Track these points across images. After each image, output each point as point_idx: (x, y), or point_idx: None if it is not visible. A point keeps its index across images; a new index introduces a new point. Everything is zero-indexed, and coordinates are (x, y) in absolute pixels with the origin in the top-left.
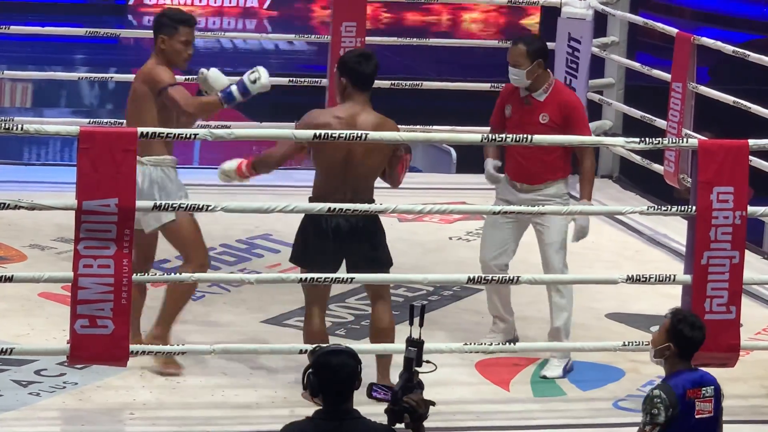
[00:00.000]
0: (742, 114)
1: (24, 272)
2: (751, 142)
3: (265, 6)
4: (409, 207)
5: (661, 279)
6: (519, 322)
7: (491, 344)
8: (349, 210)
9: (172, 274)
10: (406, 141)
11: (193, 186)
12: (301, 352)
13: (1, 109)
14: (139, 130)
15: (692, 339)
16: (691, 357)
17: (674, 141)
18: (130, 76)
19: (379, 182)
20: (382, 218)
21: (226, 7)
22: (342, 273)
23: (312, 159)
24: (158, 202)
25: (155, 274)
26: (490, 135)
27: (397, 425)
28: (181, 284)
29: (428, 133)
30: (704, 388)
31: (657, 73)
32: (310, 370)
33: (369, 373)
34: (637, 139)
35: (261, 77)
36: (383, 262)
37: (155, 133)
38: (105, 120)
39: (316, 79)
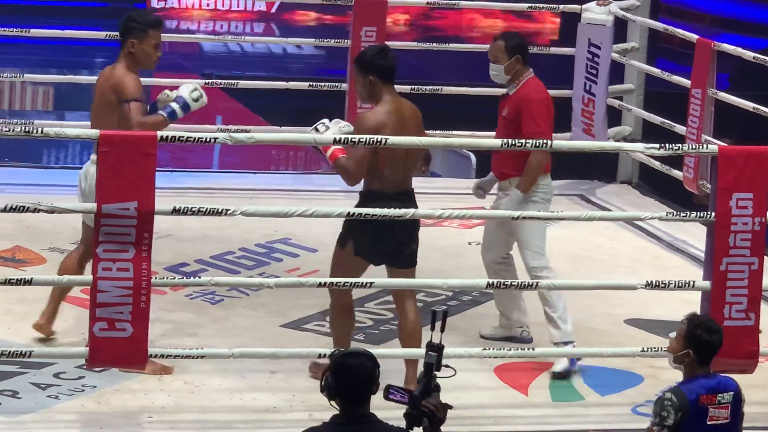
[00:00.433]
0: (762, 120)
1: (43, 275)
2: None
3: (273, 10)
4: (429, 212)
5: (680, 285)
6: (537, 327)
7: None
8: (401, 207)
9: (191, 278)
10: (426, 146)
11: (213, 190)
12: (320, 356)
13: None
14: (159, 134)
15: (710, 343)
16: (709, 362)
17: (694, 147)
18: (152, 80)
19: None
20: None
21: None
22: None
23: (374, 159)
24: (178, 206)
25: (174, 278)
26: (509, 140)
27: (415, 429)
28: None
29: (448, 138)
30: (720, 395)
31: (677, 79)
32: (328, 372)
33: (386, 377)
34: (657, 145)
35: (203, 96)
36: (416, 255)
37: (174, 137)
38: None
39: (336, 84)
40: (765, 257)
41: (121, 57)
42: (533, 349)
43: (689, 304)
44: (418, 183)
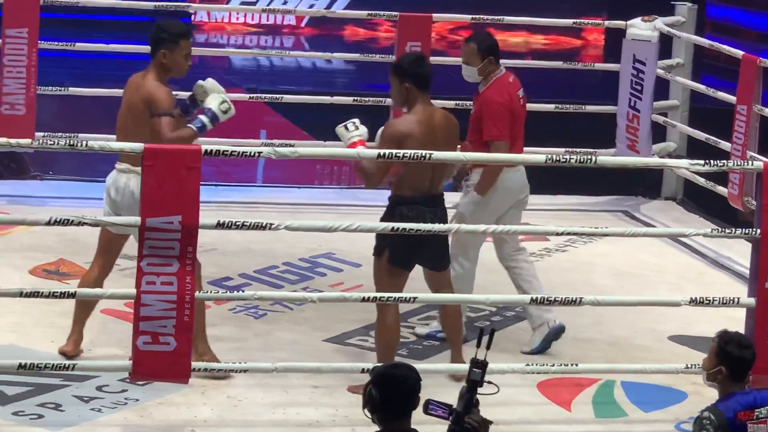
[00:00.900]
0: None
1: (87, 289)
2: None
3: (303, 24)
4: (473, 227)
5: (724, 302)
6: (581, 342)
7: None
8: (429, 212)
9: (235, 292)
10: (470, 161)
11: (257, 204)
12: (363, 371)
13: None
14: (204, 148)
15: (741, 358)
16: (744, 378)
17: (739, 163)
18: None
19: None
20: None
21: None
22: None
23: (403, 165)
24: (222, 220)
25: (218, 292)
26: (553, 156)
27: None
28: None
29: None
30: (758, 410)
31: (722, 95)
32: (371, 385)
33: (429, 392)
34: (702, 162)
35: (231, 107)
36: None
37: (219, 150)
38: None
39: (381, 99)
40: None
41: (151, 67)
42: (576, 365)
43: (733, 321)
44: (460, 198)
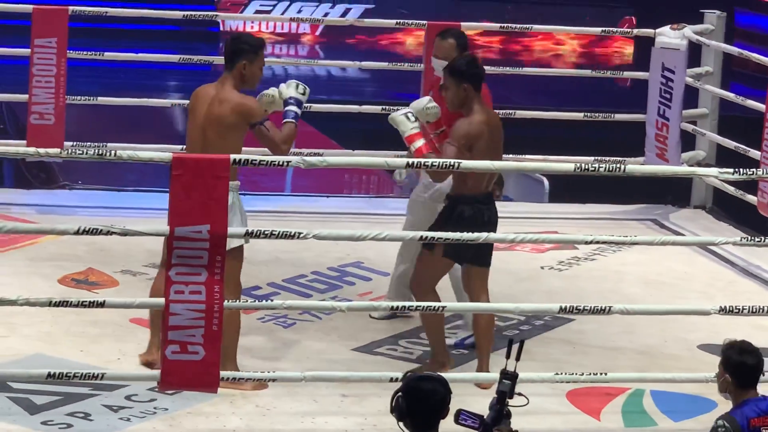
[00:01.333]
0: None
1: (115, 298)
2: None
3: (317, 33)
4: (502, 236)
5: (754, 310)
6: (610, 351)
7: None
8: (486, 209)
9: (263, 301)
10: (498, 169)
11: (286, 213)
12: (391, 380)
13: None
14: (232, 157)
15: (742, 364)
16: (752, 384)
17: None
18: None
19: None
20: None
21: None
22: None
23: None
24: (249, 229)
25: (247, 301)
26: (582, 164)
27: None
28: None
29: (521, 162)
30: None
31: (751, 103)
32: (399, 393)
33: (458, 402)
34: (731, 170)
35: (307, 88)
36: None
37: (248, 160)
38: None
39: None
40: None
41: (227, 78)
42: (606, 374)
43: (763, 329)
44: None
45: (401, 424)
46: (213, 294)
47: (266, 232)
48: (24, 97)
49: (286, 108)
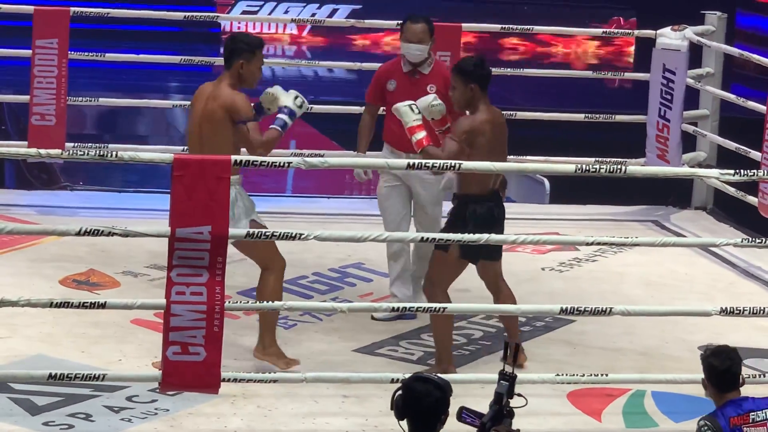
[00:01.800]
0: None
1: (117, 299)
2: None
3: (304, 34)
4: (503, 237)
5: (755, 311)
6: (611, 352)
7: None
8: (496, 208)
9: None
10: (500, 171)
11: (287, 214)
12: (392, 381)
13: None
14: (233, 157)
15: (717, 368)
16: (731, 388)
17: None
18: None
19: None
20: None
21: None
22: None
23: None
24: (251, 231)
25: (248, 302)
26: (583, 165)
27: None
28: (268, 291)
29: (522, 163)
30: (754, 413)
31: (752, 104)
32: (399, 393)
33: (460, 402)
34: (732, 171)
35: (305, 102)
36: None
37: (249, 161)
38: None
39: None
40: None
41: (225, 77)
42: (607, 375)
43: (764, 331)
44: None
45: (402, 423)
46: (214, 295)
47: (267, 233)
48: (25, 98)
49: (278, 115)
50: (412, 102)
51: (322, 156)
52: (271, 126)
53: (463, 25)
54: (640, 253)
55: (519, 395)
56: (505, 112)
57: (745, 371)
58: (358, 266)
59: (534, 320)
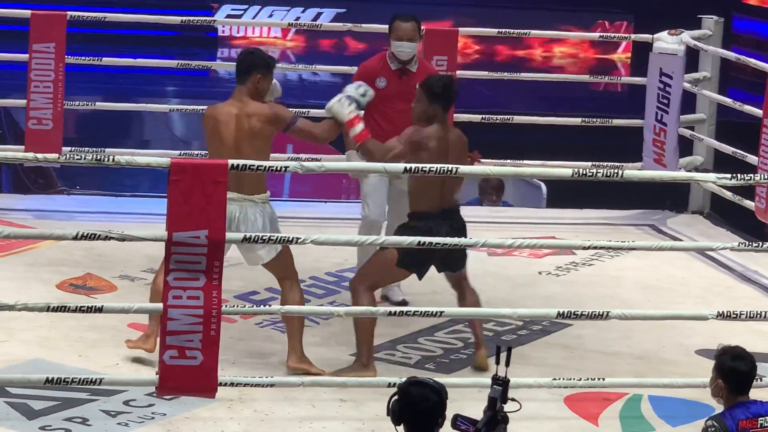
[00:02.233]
0: None
1: (114, 303)
2: None
3: (289, 36)
4: (499, 241)
5: (752, 315)
6: (608, 356)
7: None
8: (445, 224)
9: (262, 306)
10: (496, 175)
11: (284, 218)
12: (389, 385)
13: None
14: (230, 162)
15: (734, 369)
16: (745, 390)
17: (766, 177)
18: None
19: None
20: (473, 252)
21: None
22: (431, 307)
23: (413, 181)
24: (248, 234)
25: (245, 306)
26: (580, 170)
27: None
28: (297, 299)
29: (518, 167)
30: (763, 418)
31: (749, 108)
32: (395, 398)
33: (456, 406)
34: (729, 175)
35: (369, 90)
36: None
37: (246, 165)
38: (196, 152)
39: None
40: None
41: (243, 92)
42: (603, 379)
43: (761, 335)
44: (489, 212)
45: (398, 428)
46: (211, 299)
47: (264, 237)
48: (22, 102)
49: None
50: (342, 95)
51: (319, 160)
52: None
53: (460, 29)
54: (636, 257)
55: (513, 399)
56: (501, 117)
57: None
58: (355, 270)
59: (531, 324)
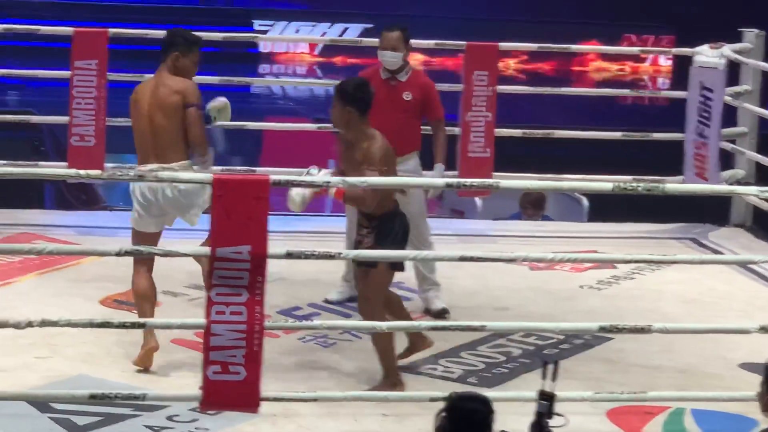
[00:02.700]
0: None
1: (157, 319)
2: None
3: (316, 52)
4: (541, 255)
5: None
6: (650, 370)
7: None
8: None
9: (305, 321)
10: (537, 189)
11: (326, 233)
12: (431, 399)
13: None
14: (272, 178)
15: None
16: None
17: None
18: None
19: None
20: (514, 267)
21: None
22: (473, 321)
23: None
24: (291, 250)
25: (287, 322)
26: (621, 184)
27: None
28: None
29: (559, 181)
30: None
31: None
32: (444, 414)
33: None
34: None
35: (227, 105)
36: None
37: (288, 181)
38: (238, 167)
39: (449, 128)
40: None
41: (162, 67)
42: (646, 392)
43: None
44: (531, 227)
45: None
46: (254, 314)
47: (307, 253)
48: (65, 119)
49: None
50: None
51: None
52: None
53: (500, 44)
54: (678, 270)
55: (558, 414)
56: (542, 131)
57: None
58: (397, 285)
59: (573, 338)
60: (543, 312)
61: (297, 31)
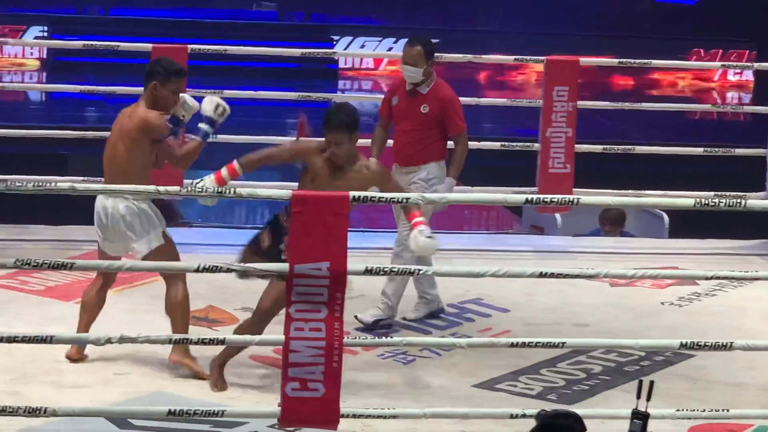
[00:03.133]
0: None
1: (236, 335)
2: None
3: (381, 67)
4: (622, 272)
5: None
6: (732, 387)
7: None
8: None
9: (384, 338)
10: (618, 205)
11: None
12: (511, 416)
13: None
14: (351, 194)
15: None
16: None
17: None
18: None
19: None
20: (595, 283)
21: None
22: (553, 338)
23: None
24: (370, 266)
25: (366, 338)
26: (702, 199)
27: None
28: (177, 302)
29: (640, 197)
30: None
31: None
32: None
33: None
34: None
35: (226, 109)
36: None
37: (367, 197)
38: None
39: (529, 144)
40: None
41: (142, 97)
42: (728, 410)
43: None
44: (611, 243)
45: None
46: (333, 331)
47: (385, 269)
48: None
49: (199, 125)
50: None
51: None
52: (191, 137)
53: (581, 59)
54: (761, 287)
55: None
56: (623, 147)
57: None
58: (477, 302)
59: (654, 355)
60: (624, 328)
61: (362, 47)
